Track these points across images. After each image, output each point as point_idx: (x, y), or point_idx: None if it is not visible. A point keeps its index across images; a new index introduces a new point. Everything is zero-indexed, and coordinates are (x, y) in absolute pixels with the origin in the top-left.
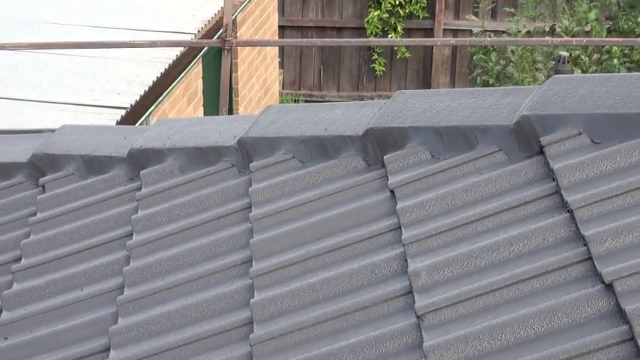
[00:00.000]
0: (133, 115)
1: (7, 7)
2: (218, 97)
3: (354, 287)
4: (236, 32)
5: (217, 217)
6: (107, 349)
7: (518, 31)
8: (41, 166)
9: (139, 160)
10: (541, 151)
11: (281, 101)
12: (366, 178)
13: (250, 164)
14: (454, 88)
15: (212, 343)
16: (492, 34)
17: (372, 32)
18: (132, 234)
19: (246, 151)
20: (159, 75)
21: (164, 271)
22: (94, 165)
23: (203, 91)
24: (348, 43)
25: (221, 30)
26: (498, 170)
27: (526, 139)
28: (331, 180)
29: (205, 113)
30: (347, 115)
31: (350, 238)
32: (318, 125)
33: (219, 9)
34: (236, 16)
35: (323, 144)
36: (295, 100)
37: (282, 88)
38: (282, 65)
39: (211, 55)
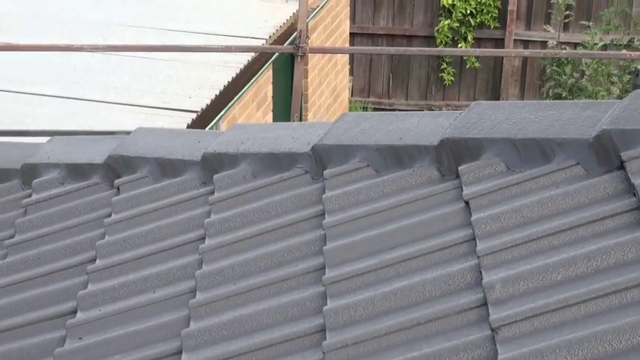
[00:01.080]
0: (203, 118)
1: (83, 10)
2: (287, 102)
3: (428, 298)
4: (309, 38)
5: (290, 224)
6: (179, 352)
7: (595, 44)
8: (116, 168)
9: (212, 164)
10: (621, 166)
11: (350, 109)
12: (440, 188)
13: (324, 171)
14: (523, 99)
15: (284, 349)
16: (567, 47)
17: (441, 41)
18: (204, 238)
19: (320, 158)
20: (230, 80)
21: (236, 275)
22: (167, 168)
23: (272, 97)
24: (421, 52)
25: (293, 35)
26: (576, 184)
27: (606, 153)
28: (405, 189)
29: (274, 119)
30: (422, 125)
31: (424, 248)
32: (393, 134)
33: (290, 15)
34: (308, 23)
35: (398, 153)
36: (364, 108)
37: (351, 96)
38: (351, 72)
39: (282, 61)
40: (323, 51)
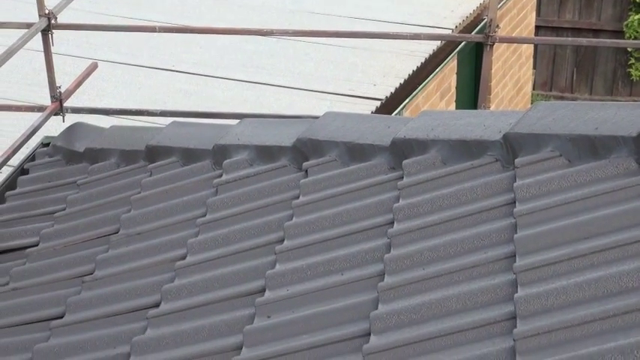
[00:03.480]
0: (387, 107)
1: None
2: (470, 93)
3: (624, 289)
4: (499, 28)
5: (480, 211)
6: (367, 335)
7: None
8: (305, 151)
9: (402, 149)
10: None
11: (532, 102)
12: (638, 180)
13: (515, 160)
14: None
15: (473, 335)
16: None
17: (630, 36)
18: (393, 222)
19: (512, 146)
20: (414, 69)
21: (425, 260)
22: (356, 152)
23: (456, 87)
24: (615, 44)
25: (480, 25)
26: None
27: None
28: (600, 180)
29: (457, 109)
30: (619, 116)
31: (620, 240)
32: (588, 124)
33: (477, 6)
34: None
35: (593, 143)
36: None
37: (533, 89)
38: (534, 65)
39: (466, 51)
40: (512, 40)
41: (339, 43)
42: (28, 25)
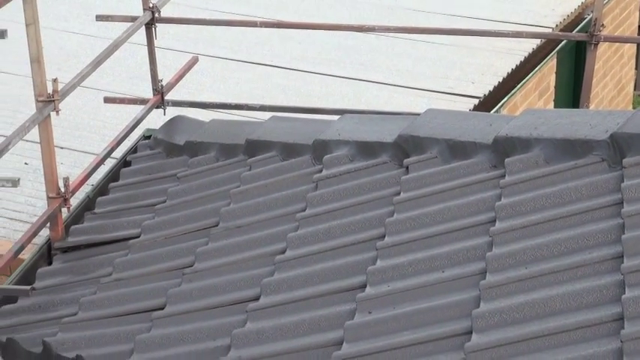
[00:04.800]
0: (485, 105)
1: None
2: (569, 93)
3: None
4: (604, 27)
5: (585, 211)
6: (469, 333)
7: None
8: (406, 148)
9: (504, 147)
10: None
11: (634, 103)
12: None
13: (623, 160)
14: None
15: (578, 335)
16: None
17: None
18: (495, 220)
19: (619, 146)
20: (513, 67)
21: (528, 259)
22: (457, 149)
23: (555, 86)
24: None
25: (582, 24)
26: None
27: None
28: None
29: (556, 108)
30: None
31: None
32: None
33: (579, 5)
34: None
35: None
36: None
37: (635, 89)
38: (636, 66)
39: (566, 50)
40: (617, 40)
41: (438, 40)
42: (133, 19)
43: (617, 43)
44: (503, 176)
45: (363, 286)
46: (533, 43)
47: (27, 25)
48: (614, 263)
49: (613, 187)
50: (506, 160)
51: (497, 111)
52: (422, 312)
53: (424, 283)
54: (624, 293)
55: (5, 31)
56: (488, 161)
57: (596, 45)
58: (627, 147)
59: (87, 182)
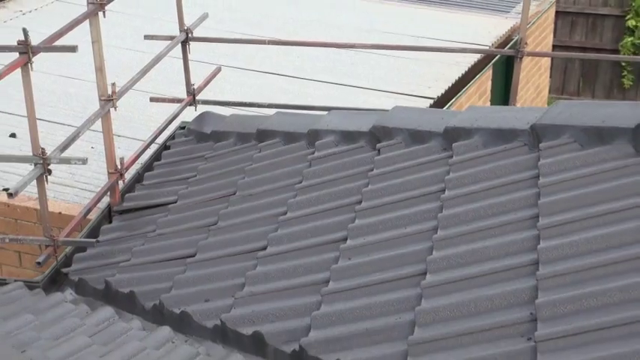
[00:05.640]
0: (438, 104)
1: (349, 19)
2: (500, 96)
3: None
4: (527, 44)
5: (511, 182)
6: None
7: None
8: (378, 135)
9: (452, 135)
10: None
11: (548, 103)
12: (635, 161)
13: (540, 144)
14: None
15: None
16: None
17: (624, 54)
18: (444, 190)
19: (537, 134)
20: (459, 76)
21: (469, 219)
22: (417, 137)
23: (491, 91)
24: (612, 59)
25: (512, 42)
26: None
27: None
28: (605, 161)
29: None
30: (621, 112)
31: None
32: (597, 118)
33: (508, 29)
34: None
35: (600, 133)
36: None
37: (549, 93)
38: (550, 75)
39: (499, 63)
40: (536, 54)
41: (403, 55)
42: (171, 38)
43: (537, 57)
44: (451, 157)
45: (344, 239)
46: (474, 57)
47: (92, 43)
48: (532, 222)
49: (532, 165)
50: (454, 144)
51: (447, 108)
52: (387, 259)
53: (390, 237)
54: (539, 244)
55: (76, 46)
56: (440, 145)
57: (521, 58)
58: (543, 134)
59: (137, 161)
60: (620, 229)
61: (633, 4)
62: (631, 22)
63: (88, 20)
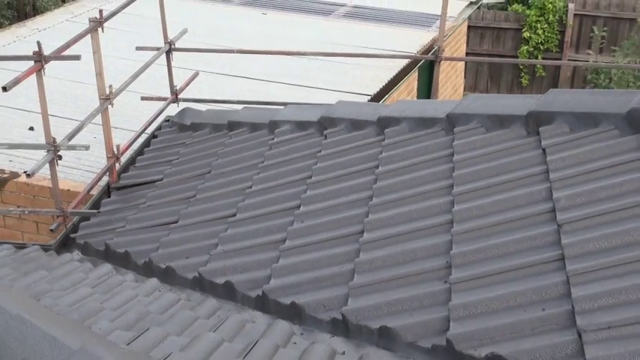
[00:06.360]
0: (374, 100)
1: (304, 33)
2: (425, 93)
3: None
4: (444, 52)
5: (430, 160)
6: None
7: (618, 62)
8: (325, 124)
9: (384, 123)
10: None
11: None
12: (526, 141)
13: (454, 129)
14: None
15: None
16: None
17: (522, 59)
18: (378, 166)
19: (452, 121)
20: (391, 77)
21: (397, 188)
22: (356, 125)
23: (417, 89)
24: (512, 62)
25: (433, 50)
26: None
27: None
28: (503, 141)
29: None
30: (516, 103)
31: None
32: (498, 107)
33: (429, 40)
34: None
35: (500, 119)
36: None
37: (464, 90)
38: (465, 76)
39: (423, 67)
40: (452, 59)
41: (347, 61)
42: (158, 49)
43: (453, 62)
44: (384, 140)
45: (298, 207)
46: (403, 62)
47: (93, 52)
48: (448, 190)
49: (448, 145)
50: (386, 130)
51: (382, 103)
52: (333, 221)
53: (334, 204)
54: (454, 207)
55: (80, 55)
56: (375, 131)
57: (439, 63)
58: (456, 121)
59: (130, 148)
60: (516, 194)
61: (528, 20)
62: (526, 34)
63: (90, 35)
